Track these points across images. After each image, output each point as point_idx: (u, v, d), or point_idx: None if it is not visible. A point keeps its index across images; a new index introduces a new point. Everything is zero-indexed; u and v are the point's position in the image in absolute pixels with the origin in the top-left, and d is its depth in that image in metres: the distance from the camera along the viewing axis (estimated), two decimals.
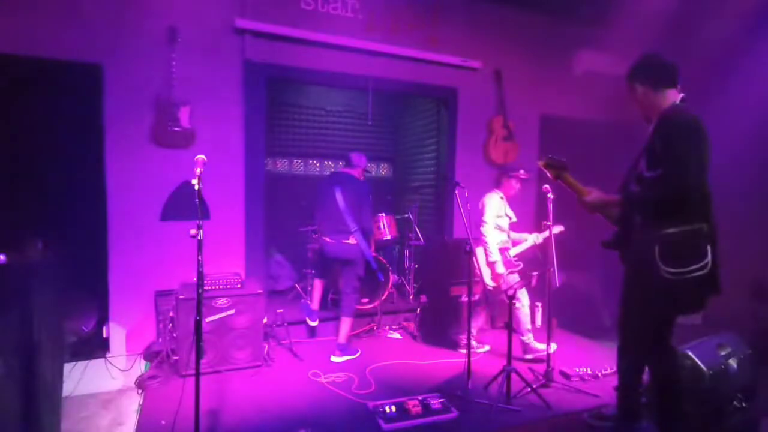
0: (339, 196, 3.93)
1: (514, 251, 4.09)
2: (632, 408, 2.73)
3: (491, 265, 3.92)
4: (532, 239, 4.13)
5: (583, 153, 5.00)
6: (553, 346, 3.92)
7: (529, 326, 3.94)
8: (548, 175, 2.72)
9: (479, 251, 3.97)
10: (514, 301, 3.69)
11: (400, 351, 4.18)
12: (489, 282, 3.94)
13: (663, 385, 2.53)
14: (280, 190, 5.70)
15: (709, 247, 2.27)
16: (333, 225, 3.96)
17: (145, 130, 3.75)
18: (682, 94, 2.43)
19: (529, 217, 5.53)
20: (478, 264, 3.87)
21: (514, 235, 4.18)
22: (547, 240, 3.64)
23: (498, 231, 4.00)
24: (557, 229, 3.88)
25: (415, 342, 4.44)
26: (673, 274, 2.27)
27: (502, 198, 4.07)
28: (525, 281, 3.87)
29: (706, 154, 2.28)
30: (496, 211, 3.99)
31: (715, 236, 2.31)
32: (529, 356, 3.89)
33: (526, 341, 3.92)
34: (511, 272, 3.95)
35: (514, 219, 4.14)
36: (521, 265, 4.02)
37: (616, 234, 2.61)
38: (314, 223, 4.42)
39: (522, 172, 4.07)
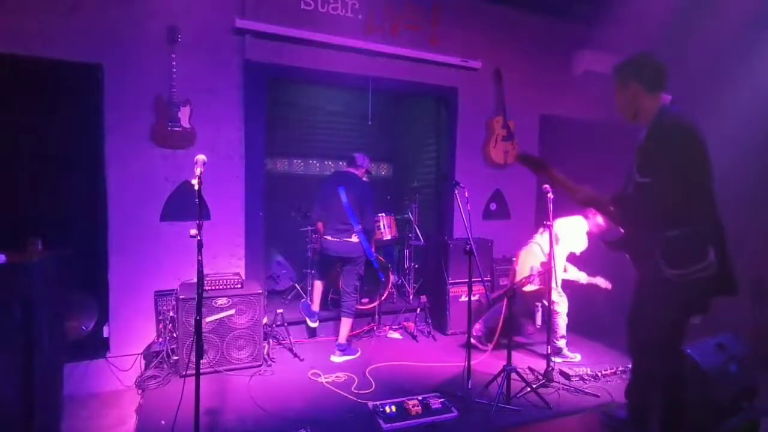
0: (343, 195, 3.94)
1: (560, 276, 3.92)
2: (644, 414, 2.67)
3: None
4: (575, 275, 4.04)
5: (582, 153, 5.01)
6: (578, 356, 3.97)
7: (563, 332, 3.94)
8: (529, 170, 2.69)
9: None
10: (553, 307, 3.78)
11: (400, 351, 4.18)
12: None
13: (667, 389, 2.50)
14: (280, 190, 5.70)
15: (711, 249, 2.24)
16: (335, 223, 3.97)
17: (145, 130, 3.75)
18: (669, 97, 2.41)
19: (529, 217, 5.54)
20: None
21: (568, 265, 4.06)
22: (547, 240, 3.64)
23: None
24: (603, 282, 3.97)
25: (415, 342, 4.44)
26: (676, 276, 2.26)
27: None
28: (526, 281, 3.88)
29: (701, 160, 2.26)
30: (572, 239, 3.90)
31: (721, 237, 2.28)
32: (558, 360, 3.85)
33: (560, 345, 3.92)
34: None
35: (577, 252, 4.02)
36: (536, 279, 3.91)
37: (623, 235, 2.61)
38: (313, 222, 4.42)
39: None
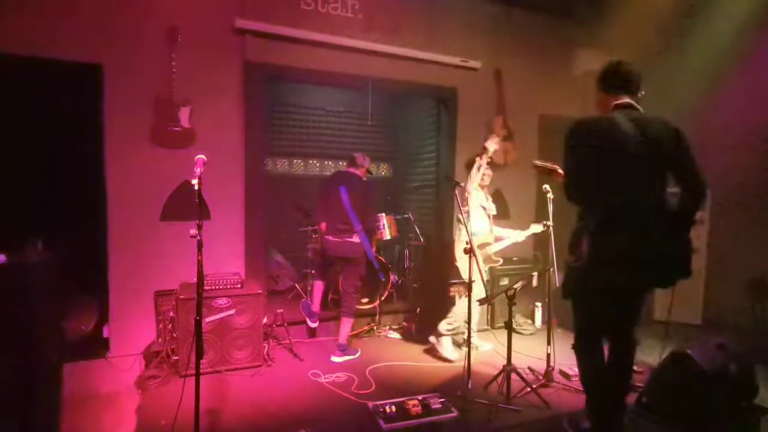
0: (344, 195, 3.94)
1: (494, 248, 4.01)
2: (605, 409, 2.57)
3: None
4: (513, 237, 4.10)
5: None
6: (489, 345, 4.04)
7: (458, 322, 3.85)
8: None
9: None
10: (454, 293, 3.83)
11: (400, 351, 4.18)
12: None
13: (582, 381, 2.62)
14: (280, 190, 5.70)
15: (585, 242, 2.31)
16: (336, 223, 3.96)
17: (145, 130, 3.75)
18: (624, 100, 2.43)
19: (529, 217, 5.53)
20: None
21: (498, 231, 4.11)
22: (546, 239, 3.64)
23: (478, 221, 3.94)
24: (538, 227, 3.89)
25: (415, 342, 4.44)
26: (570, 261, 2.42)
27: (477, 189, 3.99)
28: (526, 281, 3.87)
29: (587, 160, 2.34)
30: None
31: (604, 234, 2.29)
32: (433, 339, 3.94)
33: (441, 330, 3.91)
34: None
35: (493, 212, 4.06)
36: (500, 262, 4.04)
37: None
38: (314, 222, 4.42)
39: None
